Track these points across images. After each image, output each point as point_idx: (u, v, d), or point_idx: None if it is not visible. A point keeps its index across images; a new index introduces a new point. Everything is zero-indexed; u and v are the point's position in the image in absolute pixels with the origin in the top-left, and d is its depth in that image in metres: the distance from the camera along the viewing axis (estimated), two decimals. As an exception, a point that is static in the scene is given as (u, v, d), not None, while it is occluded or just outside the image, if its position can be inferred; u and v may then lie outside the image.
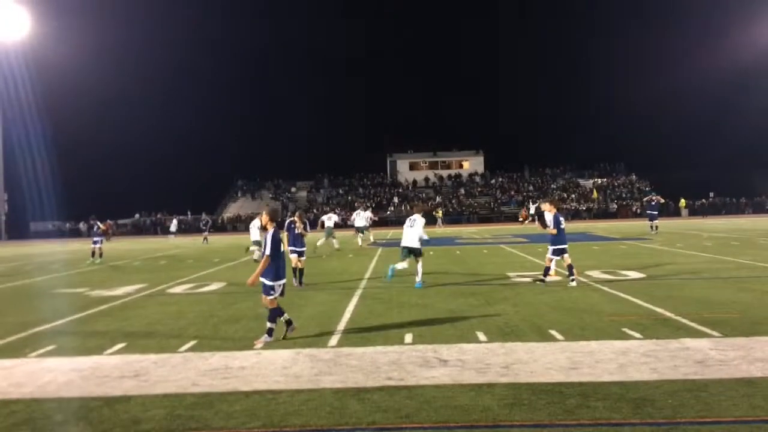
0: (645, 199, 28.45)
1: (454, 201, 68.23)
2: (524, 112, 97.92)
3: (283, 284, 8.32)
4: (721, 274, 13.57)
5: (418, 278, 12.83)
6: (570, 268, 12.65)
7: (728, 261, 16.21)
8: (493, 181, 75.27)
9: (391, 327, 8.72)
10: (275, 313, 8.15)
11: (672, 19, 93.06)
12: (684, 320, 8.55)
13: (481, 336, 7.93)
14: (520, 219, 47.62)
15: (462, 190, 72.17)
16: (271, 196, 73.29)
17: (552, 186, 72.31)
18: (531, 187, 71.99)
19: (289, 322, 8.28)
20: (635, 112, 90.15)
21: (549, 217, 12.98)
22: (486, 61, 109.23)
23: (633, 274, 13.86)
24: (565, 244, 12.84)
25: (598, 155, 77.75)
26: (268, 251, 8.06)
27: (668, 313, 9.08)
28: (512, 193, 70.27)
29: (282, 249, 8.33)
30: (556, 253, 12.77)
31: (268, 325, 8.11)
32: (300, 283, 13.41)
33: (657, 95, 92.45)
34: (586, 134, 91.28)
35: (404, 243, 12.83)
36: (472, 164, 79.30)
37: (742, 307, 9.39)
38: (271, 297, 8.13)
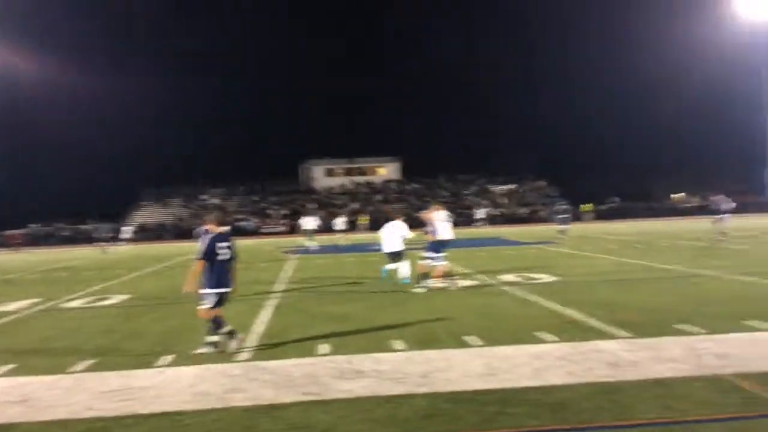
0: (555, 207, 29.36)
1: (370, 207, 68.37)
2: (441, 118, 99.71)
3: (225, 293, 7.88)
4: (627, 276, 14.05)
5: (407, 275, 13.70)
6: (425, 276, 12.97)
7: (633, 263, 16.84)
8: (408, 187, 75.99)
9: (307, 338, 8.42)
10: (217, 324, 7.74)
11: (583, 30, 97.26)
12: (595, 322, 8.71)
13: (399, 345, 7.77)
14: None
15: (378, 197, 72.44)
16: (181, 203, 71.01)
17: (465, 192, 73.77)
18: (446, 194, 73.16)
19: (231, 334, 7.82)
20: (546, 119, 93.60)
21: (436, 222, 13.21)
22: (404, 67, 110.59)
23: (545, 278, 14.14)
24: (442, 251, 13.19)
25: (511, 162, 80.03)
26: (201, 256, 7.69)
27: (579, 316, 9.23)
28: (427, 199, 71.15)
29: (226, 256, 7.90)
30: (437, 258, 13.10)
31: (209, 339, 7.69)
32: None
33: (566, 103, 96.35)
34: (500, 141, 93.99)
35: (387, 249, 13.80)
36: (388, 171, 79.76)
37: (648, 308, 9.68)
38: (208, 307, 7.72)
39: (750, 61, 60.03)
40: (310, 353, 7.50)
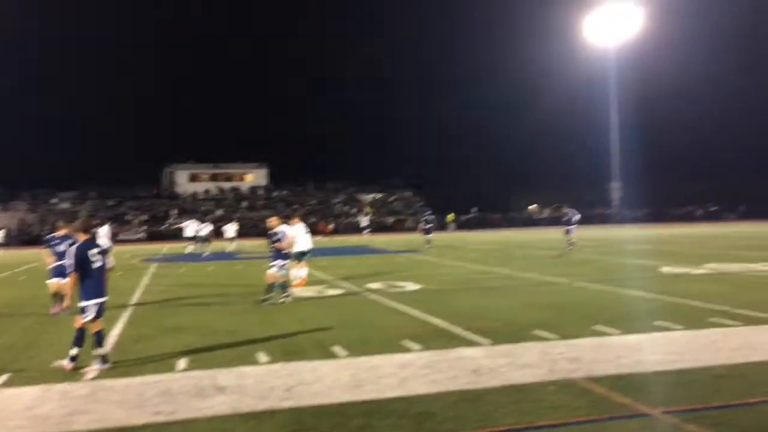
0: (424, 217, 30.13)
1: (237, 214, 66.68)
2: (310, 125, 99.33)
3: (103, 303, 7.41)
4: (487, 284, 14.60)
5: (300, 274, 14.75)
6: (285, 286, 12.45)
7: (492, 271, 17.57)
8: (276, 194, 74.98)
9: (163, 353, 7.92)
10: (98, 339, 7.24)
11: (450, 47, 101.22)
12: (458, 330, 8.91)
13: (263, 357, 7.50)
14: (325, 232, 47.71)
15: (244, 204, 70.86)
16: (27, 207, 65.45)
17: (334, 200, 73.99)
18: (314, 201, 72.97)
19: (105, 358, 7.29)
20: (415, 129, 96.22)
21: (290, 232, 13.05)
22: (271, 71, 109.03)
23: (410, 286, 14.37)
24: (289, 259, 12.91)
25: (379, 170, 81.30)
26: (73, 268, 7.19)
27: (443, 324, 9.41)
28: (295, 206, 70.59)
29: (99, 263, 7.37)
30: (284, 267, 12.43)
31: (72, 352, 7.11)
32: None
33: (432, 116, 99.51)
34: (368, 149, 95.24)
35: (301, 248, 14.52)
36: (255, 177, 78.23)
37: (506, 315, 10.07)
38: (89, 319, 7.19)
39: (599, 83, 65.17)
40: (166, 369, 7.05)
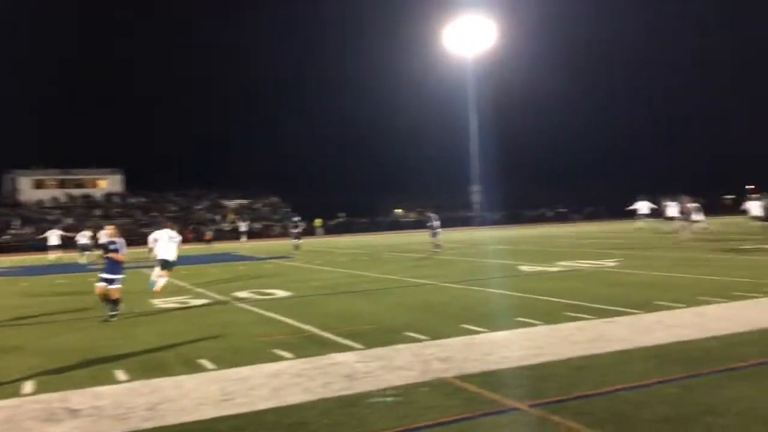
0: (293, 221, 29.85)
1: (89, 223, 62.46)
2: (170, 129, 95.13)
3: None
4: (356, 288, 14.63)
5: (161, 282, 14.85)
6: (117, 301, 11.14)
7: (361, 275, 17.66)
8: (133, 201, 71.11)
9: (4, 377, 7.13)
10: None
11: (321, 56, 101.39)
12: (329, 335, 8.80)
13: (121, 375, 6.97)
14: (206, 239, 45.90)
15: (97, 211, 66.56)
16: None
17: (196, 207, 71.40)
18: (175, 208, 70.00)
19: None
20: (280, 134, 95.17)
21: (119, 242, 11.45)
22: (126, 71, 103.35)
23: (279, 293, 14.08)
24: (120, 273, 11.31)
25: (244, 176, 79.58)
26: None
27: (315, 330, 9.27)
28: (154, 214, 67.31)
29: None
30: (113, 281, 11.06)
31: None
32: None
33: (300, 122, 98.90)
34: (231, 155, 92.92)
35: (162, 256, 14.86)
36: (109, 183, 73.73)
37: (377, 319, 10.10)
38: None
39: (459, 92, 67.88)
40: (10, 394, 6.34)
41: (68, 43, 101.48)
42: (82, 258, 28.79)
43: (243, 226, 52.52)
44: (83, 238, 29.36)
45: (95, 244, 29.05)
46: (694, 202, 27.64)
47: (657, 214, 33.34)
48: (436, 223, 26.18)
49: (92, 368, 7.41)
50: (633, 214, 35.57)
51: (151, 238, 15.65)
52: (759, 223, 27.18)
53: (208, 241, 44.74)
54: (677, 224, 28.22)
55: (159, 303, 13.23)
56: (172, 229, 15.73)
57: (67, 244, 32.03)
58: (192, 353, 7.99)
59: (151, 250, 15.40)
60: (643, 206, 35.49)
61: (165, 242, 15.14)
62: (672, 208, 29.29)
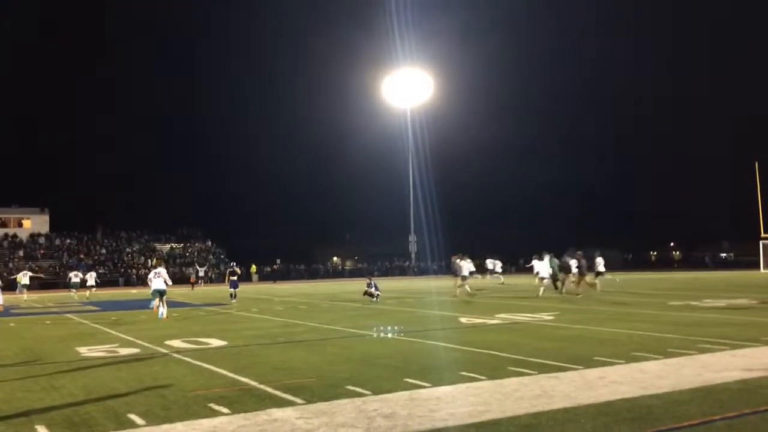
0: (229, 269, 29.01)
1: (11, 264, 59.39)
2: (100, 169, 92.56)
3: None
4: (295, 338, 14.24)
5: (164, 311, 19.50)
6: None
7: (299, 324, 17.26)
8: (59, 242, 68.19)
9: None
10: None
11: (262, 109, 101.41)
12: (268, 388, 8.46)
13: (43, 430, 6.46)
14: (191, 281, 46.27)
15: (21, 252, 63.46)
16: None
17: (127, 250, 69.05)
18: (104, 250, 67.50)
19: None
20: (213, 179, 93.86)
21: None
22: (57, 109, 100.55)
23: (215, 342, 13.56)
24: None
25: (175, 219, 77.78)
26: None
27: (253, 382, 8.90)
28: (81, 256, 64.67)
29: None
30: None
31: None
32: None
33: (235, 166, 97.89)
34: (166, 198, 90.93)
35: (157, 287, 19.78)
36: (34, 223, 70.58)
37: (317, 371, 9.80)
38: None
39: (398, 142, 68.89)
40: None
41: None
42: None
43: (201, 271, 52.25)
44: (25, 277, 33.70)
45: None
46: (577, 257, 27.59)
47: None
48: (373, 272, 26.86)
49: (12, 423, 6.85)
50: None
51: (151, 275, 20.85)
52: (546, 282, 27.11)
53: (192, 285, 45.47)
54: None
55: (85, 351, 12.51)
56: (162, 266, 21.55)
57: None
58: (121, 407, 7.50)
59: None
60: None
61: (163, 277, 20.05)
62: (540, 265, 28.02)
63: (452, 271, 28.79)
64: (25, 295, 33.90)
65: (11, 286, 33.21)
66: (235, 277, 27.65)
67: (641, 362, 9.79)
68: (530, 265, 30.02)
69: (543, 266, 27.54)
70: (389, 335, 14.26)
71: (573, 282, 27.08)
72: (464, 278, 27.46)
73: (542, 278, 27.31)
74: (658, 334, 13.09)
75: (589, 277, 27.58)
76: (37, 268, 44.73)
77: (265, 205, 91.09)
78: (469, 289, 27.72)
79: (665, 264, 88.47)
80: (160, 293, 19.69)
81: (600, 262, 29.09)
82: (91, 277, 36.57)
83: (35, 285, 47.70)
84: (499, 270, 38.02)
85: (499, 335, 13.79)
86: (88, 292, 34.92)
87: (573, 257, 27.38)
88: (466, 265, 27.86)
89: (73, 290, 34.92)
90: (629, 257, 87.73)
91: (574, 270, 26.98)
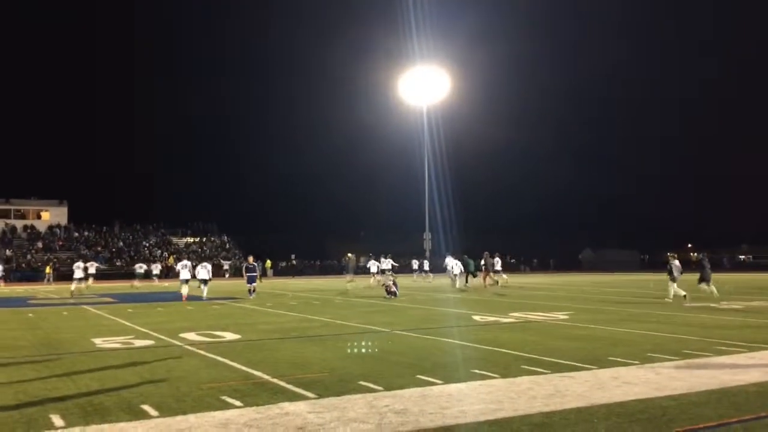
0: (246, 264, 29.28)
1: (29, 256, 60.14)
2: (118, 163, 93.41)
3: None
4: (308, 333, 14.27)
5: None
6: None
7: (313, 319, 17.30)
8: (77, 234, 68.89)
9: (-74, 419, 6.60)
10: None
11: (287, 105, 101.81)
12: (281, 382, 8.49)
13: (57, 420, 6.52)
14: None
15: (39, 244, 64.18)
16: None
17: (144, 243, 69.61)
18: (121, 243, 68.11)
19: None
20: (230, 175, 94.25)
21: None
22: (77, 104, 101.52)
23: (229, 335, 13.63)
24: None
25: (192, 214, 78.34)
26: None
27: (265, 376, 8.93)
28: (99, 248, 65.31)
29: None
30: None
31: None
32: None
33: (251, 162, 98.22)
34: (182, 193, 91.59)
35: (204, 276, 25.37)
36: (53, 215, 71.42)
37: (330, 366, 9.82)
38: None
39: (414, 140, 68.73)
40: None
41: (17, 68, 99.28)
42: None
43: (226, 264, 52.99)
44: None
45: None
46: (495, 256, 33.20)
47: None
48: (385, 266, 28.30)
49: (24, 412, 6.92)
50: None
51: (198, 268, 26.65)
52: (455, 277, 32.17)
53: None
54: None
55: (100, 342, 12.62)
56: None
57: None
58: (134, 398, 7.56)
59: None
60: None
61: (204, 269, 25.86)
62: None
63: (483, 266, 33.33)
64: (90, 281, 35.80)
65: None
66: (253, 273, 27.92)
67: (656, 363, 9.70)
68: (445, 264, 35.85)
69: (453, 262, 33.22)
70: (402, 332, 14.24)
71: (482, 277, 33.52)
72: (496, 272, 32.15)
73: (455, 274, 32.85)
74: (674, 335, 12.97)
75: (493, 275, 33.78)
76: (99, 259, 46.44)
77: (281, 202, 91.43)
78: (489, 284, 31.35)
79: (682, 266, 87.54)
80: (204, 281, 25.80)
81: (497, 262, 34.55)
82: (92, 266, 36.41)
83: (55, 276, 48.38)
84: (499, 268, 38.32)
85: (512, 334, 13.73)
86: (85, 284, 33.89)
87: (491, 256, 33.45)
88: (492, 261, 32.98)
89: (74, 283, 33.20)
90: (646, 258, 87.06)
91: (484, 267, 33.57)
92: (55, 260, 56.69)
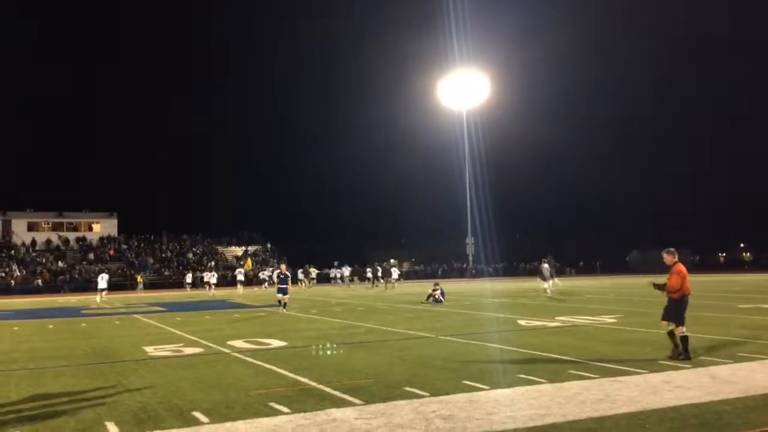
0: (278, 272, 29.68)
1: (79, 267, 61.91)
2: (165, 175, 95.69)
3: None
4: (353, 339, 14.34)
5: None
6: None
7: (358, 326, 17.37)
8: (126, 246, 70.64)
9: (-10, 426, 6.86)
10: None
11: (325, 110, 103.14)
12: (327, 389, 8.55)
13: (112, 427, 6.71)
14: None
15: (91, 255, 66.03)
16: None
17: (189, 254, 70.93)
18: (169, 253, 69.56)
19: None
20: (273, 184, 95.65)
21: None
22: (122, 118, 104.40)
23: (275, 343, 13.79)
24: None
25: (235, 223, 79.59)
26: None
27: (312, 383, 9.01)
28: (149, 259, 66.82)
29: None
30: None
31: None
32: None
33: (292, 170, 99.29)
34: (222, 203, 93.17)
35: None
36: (104, 227, 73.35)
37: (376, 372, 9.85)
38: None
39: (454, 144, 68.54)
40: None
41: (68, 84, 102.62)
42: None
43: (240, 275, 52.17)
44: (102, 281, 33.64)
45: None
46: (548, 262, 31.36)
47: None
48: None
49: (79, 417, 7.14)
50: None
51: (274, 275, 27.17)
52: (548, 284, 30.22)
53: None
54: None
55: (152, 351, 12.91)
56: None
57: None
58: (185, 405, 7.72)
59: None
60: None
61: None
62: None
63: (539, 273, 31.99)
64: (213, 291, 40.47)
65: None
66: (284, 285, 23.41)
67: (709, 367, 9.45)
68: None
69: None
70: (447, 337, 14.19)
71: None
72: (546, 279, 30.58)
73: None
74: (727, 338, 12.61)
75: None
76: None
77: (320, 208, 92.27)
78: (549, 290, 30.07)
79: (734, 266, 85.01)
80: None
81: (395, 272, 44.96)
82: (102, 280, 34.09)
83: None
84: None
85: (558, 338, 13.54)
86: (98, 297, 33.39)
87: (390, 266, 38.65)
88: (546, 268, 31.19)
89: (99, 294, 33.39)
90: (696, 259, 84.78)
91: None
92: (126, 270, 58.18)
